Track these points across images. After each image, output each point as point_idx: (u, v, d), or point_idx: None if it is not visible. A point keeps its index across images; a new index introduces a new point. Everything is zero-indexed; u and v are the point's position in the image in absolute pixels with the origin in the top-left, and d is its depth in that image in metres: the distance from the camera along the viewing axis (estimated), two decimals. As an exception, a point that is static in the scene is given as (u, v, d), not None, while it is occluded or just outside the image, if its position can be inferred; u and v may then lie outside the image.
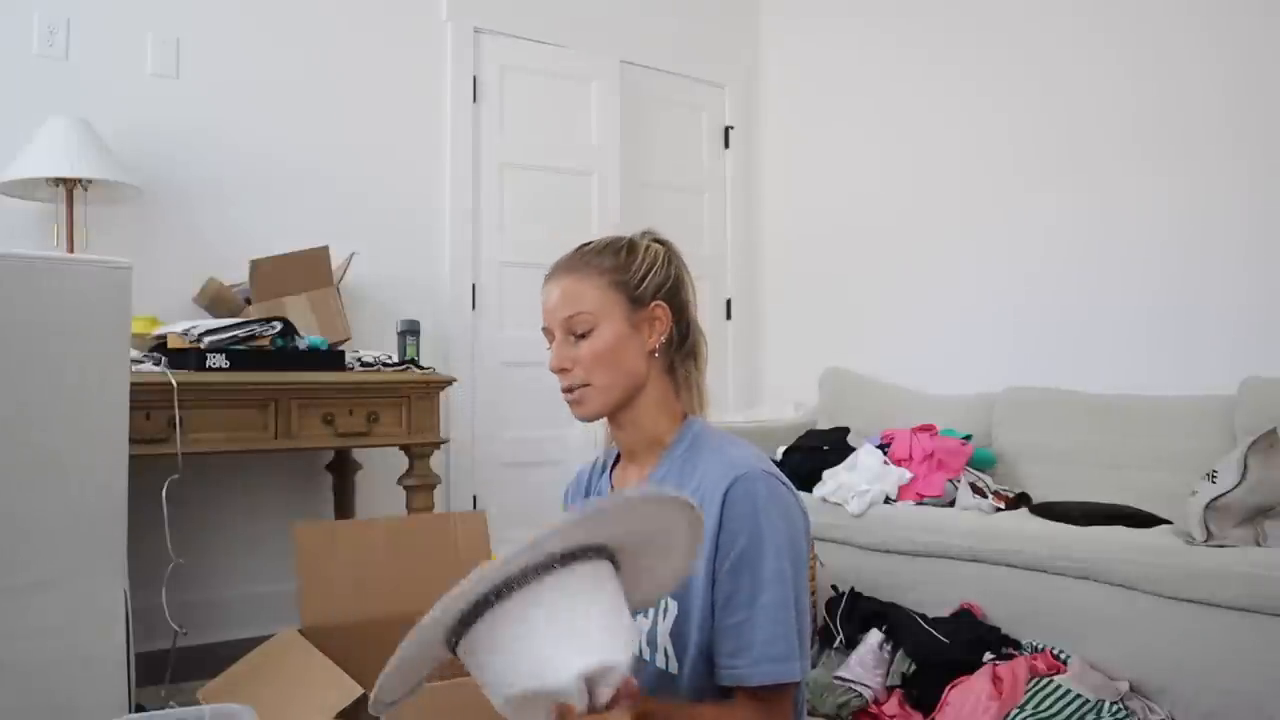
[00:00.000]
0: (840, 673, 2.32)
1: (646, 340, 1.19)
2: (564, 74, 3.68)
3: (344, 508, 3.03)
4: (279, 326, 2.53)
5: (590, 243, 1.23)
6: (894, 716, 2.23)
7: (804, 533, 1.15)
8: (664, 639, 1.14)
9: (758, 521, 1.08)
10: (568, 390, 1.19)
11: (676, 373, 1.23)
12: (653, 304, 1.20)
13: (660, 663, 1.14)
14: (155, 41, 2.87)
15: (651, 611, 1.16)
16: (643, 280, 1.20)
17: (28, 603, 1.56)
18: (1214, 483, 2.12)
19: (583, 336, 1.17)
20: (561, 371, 1.18)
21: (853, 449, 3.02)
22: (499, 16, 3.51)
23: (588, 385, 1.17)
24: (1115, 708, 2.02)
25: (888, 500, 2.73)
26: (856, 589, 2.57)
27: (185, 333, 2.40)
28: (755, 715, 1.07)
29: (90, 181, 2.58)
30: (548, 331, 1.21)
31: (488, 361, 3.46)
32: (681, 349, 1.24)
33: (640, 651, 1.17)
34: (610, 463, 1.30)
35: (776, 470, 1.15)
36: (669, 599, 1.14)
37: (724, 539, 1.09)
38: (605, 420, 1.24)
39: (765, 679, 1.06)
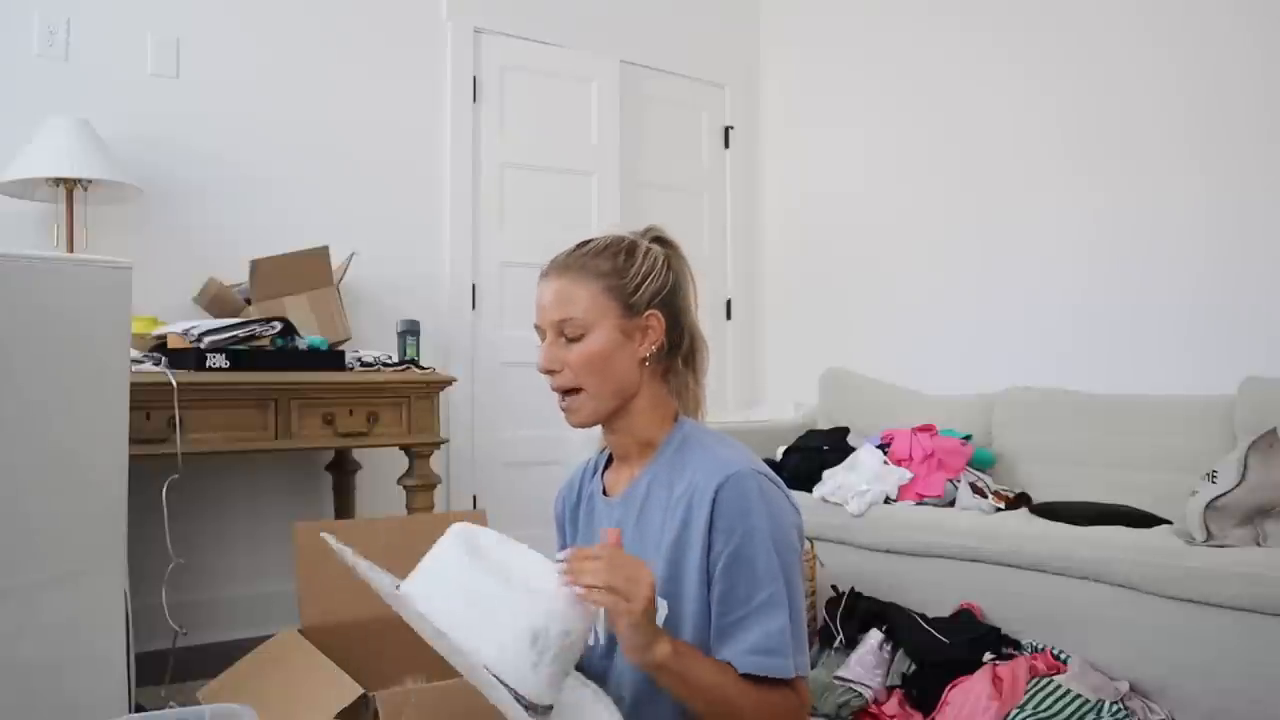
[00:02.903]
0: (840, 673, 2.32)
1: (638, 349, 1.18)
2: (564, 74, 3.68)
3: (344, 508, 3.03)
4: (279, 326, 2.53)
5: (590, 242, 1.21)
6: (894, 716, 2.23)
7: (797, 531, 1.15)
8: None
9: (749, 520, 1.08)
10: (560, 395, 1.19)
11: (671, 378, 1.23)
12: (647, 313, 1.18)
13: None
14: (155, 41, 2.87)
15: None
16: (638, 288, 1.18)
17: (28, 602, 1.56)
18: (1214, 483, 2.12)
19: (573, 340, 1.16)
20: (550, 373, 1.18)
21: (853, 449, 3.02)
22: (499, 16, 3.51)
23: (579, 391, 1.17)
24: (1115, 708, 2.02)
25: (888, 500, 2.72)
26: (856, 589, 2.57)
27: (185, 333, 2.40)
28: (751, 699, 1.05)
29: (90, 181, 2.58)
30: (540, 329, 1.20)
31: (488, 361, 3.46)
32: (677, 355, 1.23)
33: None
34: (602, 465, 1.30)
35: (767, 469, 1.14)
36: (659, 598, 1.13)
37: (716, 538, 1.09)
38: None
39: (756, 669, 1.06)
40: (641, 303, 1.18)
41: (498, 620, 0.96)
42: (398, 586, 1.04)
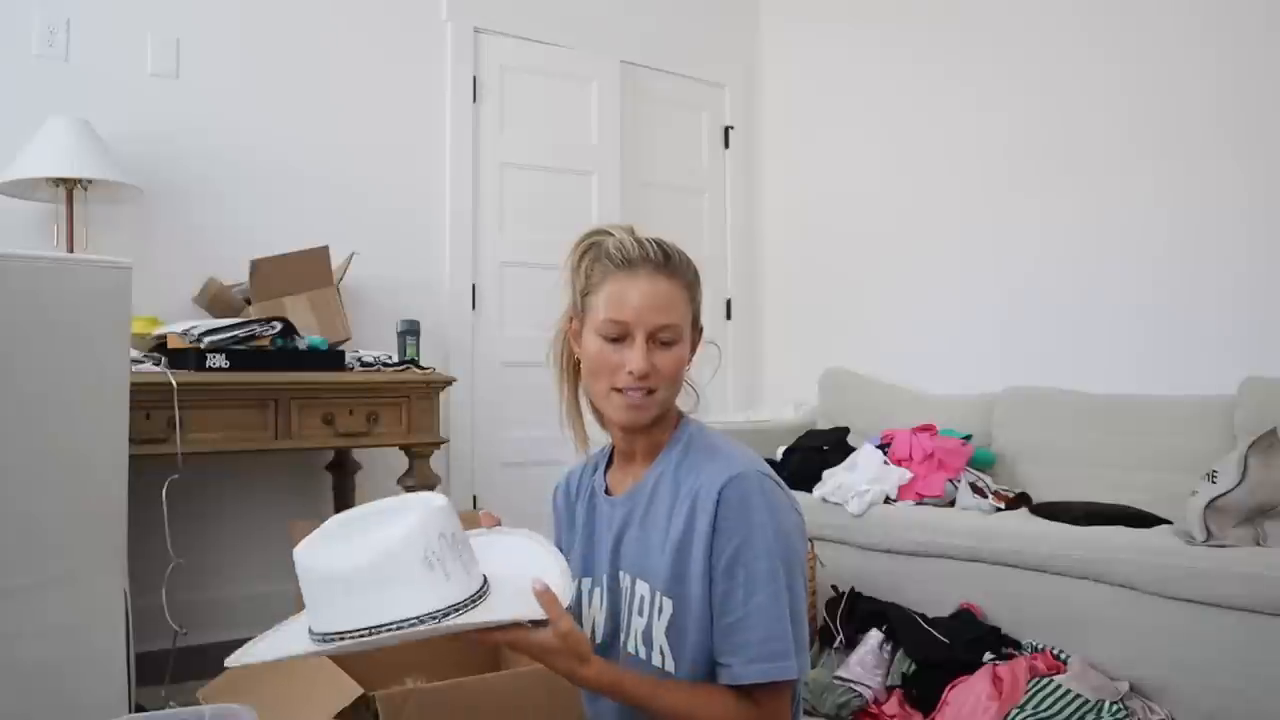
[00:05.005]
0: (840, 673, 2.32)
1: (689, 361, 1.21)
2: (564, 74, 3.68)
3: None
4: (279, 326, 2.53)
5: (670, 247, 1.18)
6: (894, 716, 2.23)
7: (799, 533, 1.15)
8: (660, 637, 1.14)
9: (750, 521, 1.08)
10: (635, 392, 1.14)
11: None
12: (699, 326, 1.22)
13: (657, 661, 1.15)
14: (155, 41, 2.87)
15: (646, 610, 1.16)
16: (699, 305, 1.21)
17: (28, 603, 1.56)
18: (1214, 483, 2.12)
19: (665, 349, 1.15)
20: (644, 377, 1.13)
21: (853, 449, 3.02)
22: (499, 16, 3.51)
23: (654, 394, 1.15)
24: (1115, 708, 2.02)
25: (888, 500, 2.73)
26: (856, 589, 2.57)
27: (185, 333, 2.40)
28: (745, 712, 1.08)
29: (90, 181, 2.58)
30: (619, 326, 1.13)
31: (488, 361, 3.46)
32: None
33: (635, 650, 1.17)
34: (604, 463, 1.30)
35: (771, 471, 1.15)
36: (664, 597, 1.14)
37: (718, 539, 1.09)
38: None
39: (759, 677, 1.06)
40: (699, 319, 1.22)
41: (394, 582, 0.98)
42: (310, 630, 1.03)
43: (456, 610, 0.99)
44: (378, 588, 0.98)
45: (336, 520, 1.07)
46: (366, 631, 0.98)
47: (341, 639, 0.98)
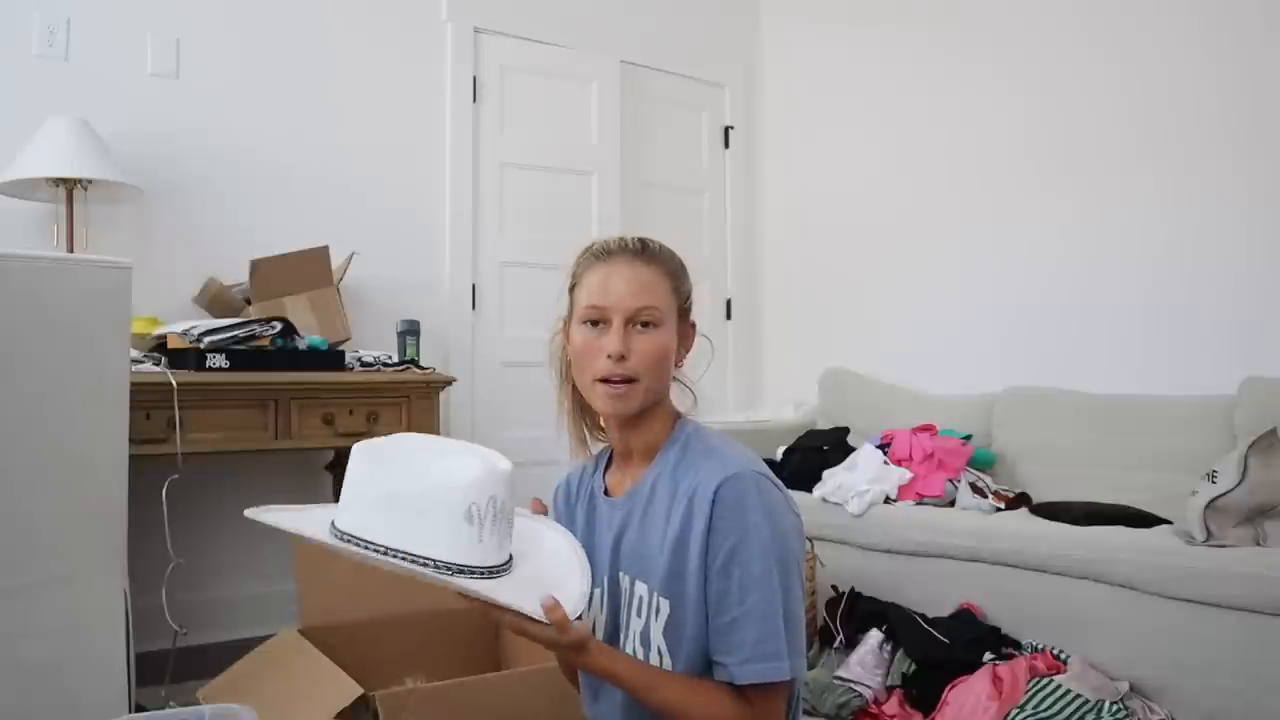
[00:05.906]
0: (840, 673, 2.32)
1: (679, 353, 1.22)
2: (564, 74, 3.68)
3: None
4: (279, 326, 2.53)
5: (648, 240, 1.22)
6: (894, 716, 2.23)
7: (796, 534, 1.15)
8: (657, 638, 1.14)
9: (746, 522, 1.09)
10: (616, 381, 1.15)
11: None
12: (690, 321, 1.24)
13: (655, 661, 1.15)
14: (155, 41, 2.87)
15: (644, 611, 1.16)
16: (688, 296, 1.23)
17: (28, 603, 1.56)
18: (1214, 483, 2.12)
19: (644, 330, 1.16)
20: (620, 359, 1.14)
21: (853, 449, 3.02)
22: (499, 16, 3.51)
23: (636, 381, 1.15)
24: (1115, 708, 2.02)
25: (888, 500, 2.72)
26: (856, 589, 2.57)
27: (185, 333, 2.41)
28: (739, 711, 1.08)
29: (90, 181, 2.58)
30: (598, 310, 1.16)
31: (488, 361, 3.46)
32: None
33: (634, 651, 1.17)
34: (603, 464, 1.30)
35: (768, 471, 1.15)
36: (661, 598, 1.14)
37: (714, 539, 1.10)
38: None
39: (753, 678, 1.07)
40: (687, 311, 1.23)
41: (430, 516, 1.01)
42: (334, 524, 1.06)
43: (471, 573, 1.01)
44: (415, 516, 1.01)
45: (415, 438, 1.10)
46: (383, 549, 1.00)
47: (359, 545, 1.01)
